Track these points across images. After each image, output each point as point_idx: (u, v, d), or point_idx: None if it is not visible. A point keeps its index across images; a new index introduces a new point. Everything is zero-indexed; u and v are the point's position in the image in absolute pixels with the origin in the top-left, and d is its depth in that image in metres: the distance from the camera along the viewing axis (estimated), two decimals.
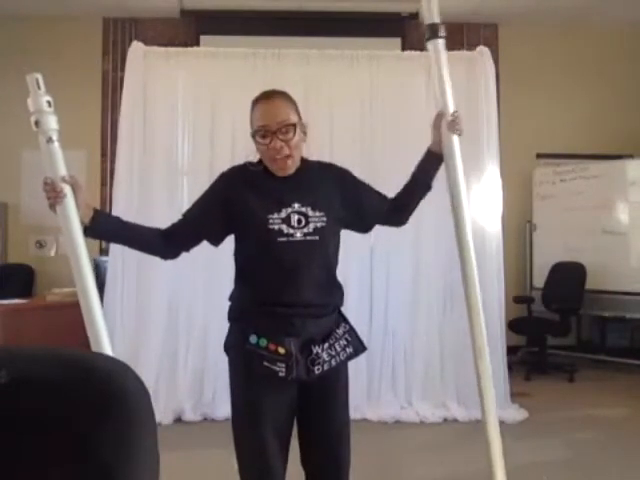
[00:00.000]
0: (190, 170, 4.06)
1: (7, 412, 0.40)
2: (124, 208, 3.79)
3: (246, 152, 1.83)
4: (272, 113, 1.64)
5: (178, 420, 3.72)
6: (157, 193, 3.92)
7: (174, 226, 1.74)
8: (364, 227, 1.89)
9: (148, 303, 3.87)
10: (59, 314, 4.00)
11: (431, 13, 1.80)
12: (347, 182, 1.79)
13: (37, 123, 1.56)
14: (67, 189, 1.56)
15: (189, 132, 4.07)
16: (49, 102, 1.57)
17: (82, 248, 1.58)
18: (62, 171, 1.58)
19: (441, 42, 1.82)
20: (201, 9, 5.42)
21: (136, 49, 3.98)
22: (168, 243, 1.72)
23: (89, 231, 1.62)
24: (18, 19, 5.41)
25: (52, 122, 1.57)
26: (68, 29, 5.51)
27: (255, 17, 5.40)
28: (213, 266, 3.78)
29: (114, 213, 3.81)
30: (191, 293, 3.91)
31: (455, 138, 1.80)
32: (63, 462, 0.40)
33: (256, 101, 1.69)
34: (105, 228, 1.68)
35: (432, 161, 1.84)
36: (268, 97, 1.67)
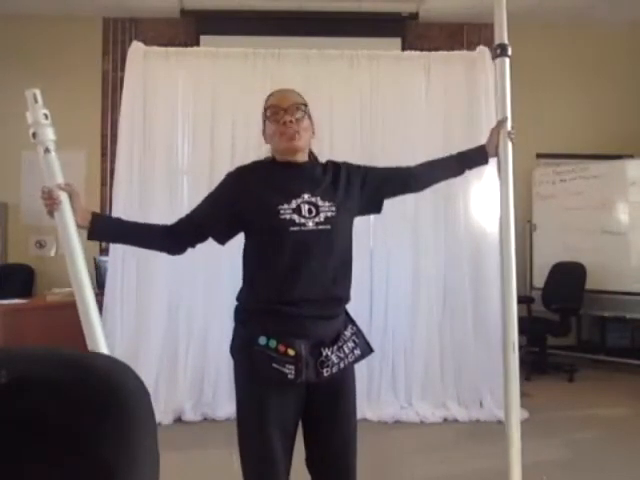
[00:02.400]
0: (190, 170, 4.06)
1: (7, 412, 0.40)
2: (124, 208, 3.80)
3: (256, 144, 1.88)
4: (285, 96, 1.72)
5: (178, 420, 3.72)
6: (157, 193, 3.91)
7: (180, 222, 1.76)
8: (376, 207, 1.90)
9: (148, 303, 3.86)
10: (59, 314, 3.99)
11: (502, 34, 2.06)
12: (348, 169, 1.82)
13: (34, 135, 1.65)
14: (63, 196, 1.64)
15: (189, 132, 4.07)
16: (46, 115, 1.66)
17: (78, 251, 1.66)
18: (59, 179, 1.66)
19: (507, 61, 2.03)
20: (201, 9, 5.43)
21: (136, 49, 3.98)
22: (173, 239, 1.75)
23: (92, 234, 1.69)
24: (18, 19, 5.42)
25: (49, 133, 1.67)
26: (68, 29, 5.51)
27: (255, 17, 5.40)
28: (213, 266, 3.78)
29: (114, 213, 3.81)
30: (191, 293, 3.90)
31: (510, 144, 1.99)
32: (63, 462, 0.40)
33: (271, 93, 1.77)
34: (106, 229, 1.73)
35: (481, 156, 1.98)
36: (283, 89, 1.78)
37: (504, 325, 1.92)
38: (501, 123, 1.99)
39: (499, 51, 2.04)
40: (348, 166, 1.83)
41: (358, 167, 1.85)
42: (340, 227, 1.70)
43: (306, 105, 1.74)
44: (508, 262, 1.94)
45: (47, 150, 1.66)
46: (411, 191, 2.01)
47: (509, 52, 2.04)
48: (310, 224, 1.63)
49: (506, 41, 2.04)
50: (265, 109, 1.72)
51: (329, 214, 1.67)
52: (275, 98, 1.72)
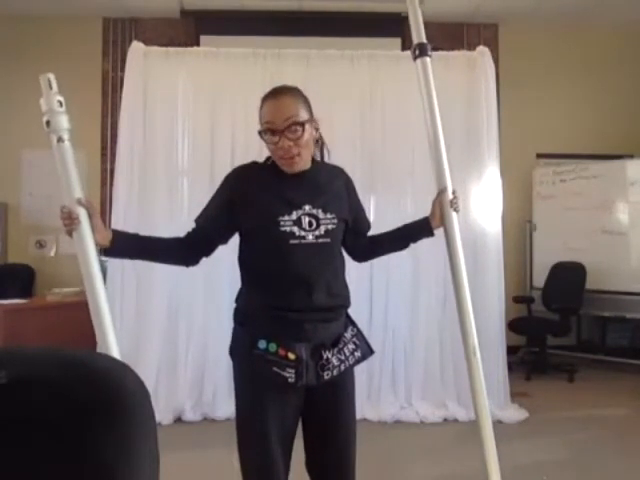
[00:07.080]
0: (190, 170, 4.05)
1: (7, 412, 0.40)
2: (124, 208, 3.80)
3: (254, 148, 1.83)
4: (280, 110, 1.59)
5: (178, 420, 3.72)
6: (157, 193, 3.91)
7: (190, 233, 1.72)
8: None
9: (148, 303, 3.86)
10: (59, 314, 4.00)
11: (419, 33, 1.90)
12: (351, 190, 1.80)
13: (48, 123, 1.56)
14: (82, 214, 1.56)
15: (189, 132, 4.06)
16: (60, 102, 1.57)
17: (97, 272, 1.57)
18: (72, 170, 1.57)
19: (429, 60, 1.90)
20: (201, 9, 5.43)
21: (136, 49, 3.97)
22: (187, 251, 1.72)
23: (109, 252, 1.62)
24: (18, 19, 5.41)
25: (63, 122, 1.57)
26: (68, 29, 5.50)
27: (255, 17, 5.40)
28: (213, 266, 3.77)
29: (114, 213, 3.81)
30: (191, 293, 3.90)
31: (454, 214, 1.87)
32: (63, 462, 0.40)
33: (265, 98, 1.65)
34: (125, 248, 1.67)
35: (425, 229, 1.86)
36: (276, 94, 1.62)
37: (463, 330, 1.87)
38: (441, 194, 1.85)
39: (418, 51, 1.88)
40: (353, 187, 1.81)
41: (357, 196, 1.83)
42: (339, 239, 1.70)
43: (306, 107, 1.64)
44: (458, 269, 1.89)
45: (60, 139, 1.57)
46: (355, 255, 1.90)
47: (429, 51, 1.89)
48: (310, 237, 1.61)
49: (424, 40, 1.89)
50: (261, 129, 1.62)
51: (330, 227, 1.64)
52: (269, 113, 1.60)
